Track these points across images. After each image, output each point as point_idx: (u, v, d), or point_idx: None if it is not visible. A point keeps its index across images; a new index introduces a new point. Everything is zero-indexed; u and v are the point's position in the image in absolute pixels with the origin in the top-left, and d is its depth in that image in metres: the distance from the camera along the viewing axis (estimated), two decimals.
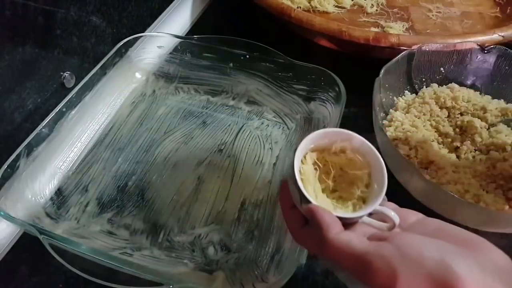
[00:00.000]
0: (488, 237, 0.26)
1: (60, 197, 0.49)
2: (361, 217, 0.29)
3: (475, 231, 0.28)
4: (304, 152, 0.32)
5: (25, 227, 0.41)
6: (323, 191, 0.32)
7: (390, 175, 0.46)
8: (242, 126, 0.57)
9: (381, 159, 0.31)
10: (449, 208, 0.42)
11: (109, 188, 0.50)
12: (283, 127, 0.57)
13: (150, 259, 0.44)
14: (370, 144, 0.31)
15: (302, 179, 0.30)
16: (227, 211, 0.48)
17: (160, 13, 0.72)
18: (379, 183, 0.30)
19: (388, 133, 0.51)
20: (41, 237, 0.38)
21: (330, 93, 0.53)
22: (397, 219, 0.28)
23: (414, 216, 0.30)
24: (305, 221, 0.31)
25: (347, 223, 0.29)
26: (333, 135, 0.32)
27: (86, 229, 0.46)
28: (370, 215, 0.30)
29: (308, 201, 0.29)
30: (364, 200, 0.31)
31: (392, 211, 0.29)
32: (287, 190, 0.32)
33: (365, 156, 0.32)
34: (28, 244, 0.45)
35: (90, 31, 0.56)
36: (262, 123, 0.57)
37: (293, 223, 0.32)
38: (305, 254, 0.38)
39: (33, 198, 0.47)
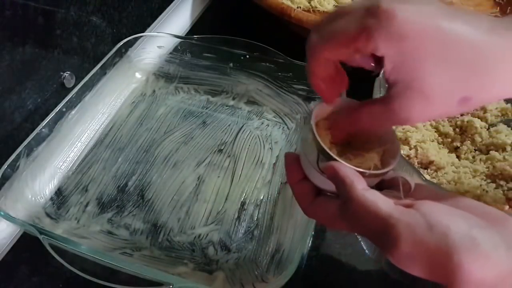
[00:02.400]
0: None
1: (60, 197, 0.49)
2: (380, 174, 0.28)
3: None
4: (317, 118, 0.31)
5: (25, 227, 0.41)
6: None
7: None
8: (242, 126, 0.57)
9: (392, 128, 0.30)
10: None
11: (109, 188, 0.50)
12: (283, 127, 0.57)
13: (150, 259, 0.44)
14: None
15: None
16: (227, 211, 0.48)
17: (160, 13, 0.72)
18: (392, 147, 0.30)
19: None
20: (41, 237, 0.38)
21: None
22: (413, 182, 0.28)
23: (427, 188, 0.29)
24: (317, 193, 0.30)
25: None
26: (343, 104, 0.31)
27: (86, 229, 0.46)
28: (386, 172, 0.29)
29: (328, 158, 0.28)
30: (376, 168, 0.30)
31: (406, 174, 0.28)
32: (294, 163, 0.31)
33: None
34: (28, 244, 0.45)
35: (90, 31, 0.56)
36: (262, 123, 0.57)
37: (304, 196, 0.30)
38: (305, 253, 0.38)
39: (33, 198, 0.47)
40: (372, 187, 0.28)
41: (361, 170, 0.27)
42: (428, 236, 0.22)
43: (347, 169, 0.26)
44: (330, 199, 0.29)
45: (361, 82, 0.50)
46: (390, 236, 0.23)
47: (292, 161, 0.31)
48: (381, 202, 0.24)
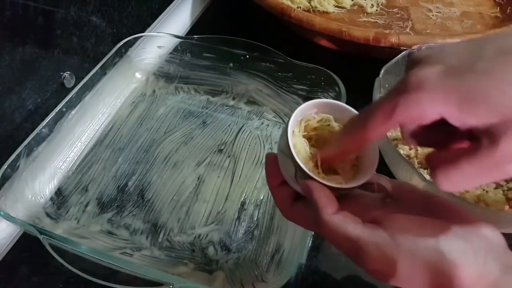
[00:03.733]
0: None
1: (60, 197, 0.49)
2: (355, 187, 0.28)
3: None
4: (295, 124, 0.31)
5: (25, 227, 0.41)
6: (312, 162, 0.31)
7: (390, 175, 0.47)
8: (242, 126, 0.57)
9: None
10: None
11: (109, 188, 0.50)
12: (283, 127, 0.57)
13: (150, 259, 0.44)
14: (356, 112, 0.30)
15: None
16: (227, 211, 0.48)
17: (160, 13, 0.72)
18: (371, 152, 0.30)
19: (388, 133, 0.51)
20: (41, 237, 0.38)
21: (330, 93, 0.53)
22: (389, 186, 0.28)
23: (399, 185, 0.30)
24: (296, 197, 0.30)
25: (341, 194, 0.28)
26: (322, 106, 0.31)
27: (86, 229, 0.46)
28: (362, 184, 0.29)
29: (304, 176, 0.28)
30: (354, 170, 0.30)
31: (385, 178, 0.28)
32: (275, 166, 0.30)
33: None
34: (28, 244, 0.45)
35: (90, 31, 0.56)
36: (262, 123, 0.57)
37: (283, 201, 0.31)
38: (305, 253, 0.38)
39: (33, 198, 0.47)
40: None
41: (337, 186, 0.27)
42: (396, 254, 0.24)
43: (320, 191, 0.27)
44: (308, 206, 0.29)
45: (361, 81, 0.51)
46: (361, 257, 0.25)
47: (272, 165, 0.31)
48: (350, 226, 0.25)
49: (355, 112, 0.30)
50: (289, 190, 0.30)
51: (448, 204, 0.27)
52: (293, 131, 0.30)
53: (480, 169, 0.22)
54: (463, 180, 0.22)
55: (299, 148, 0.30)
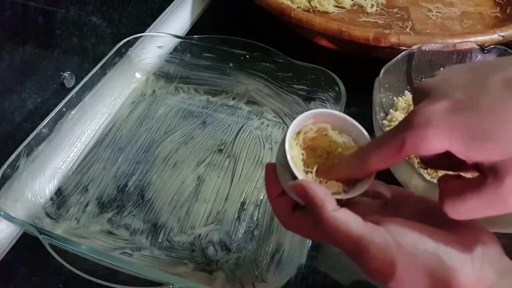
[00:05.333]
0: None
1: (60, 197, 0.49)
2: (354, 197, 0.28)
3: None
4: (292, 136, 0.31)
5: (25, 227, 0.41)
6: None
7: (390, 175, 0.47)
8: (242, 126, 0.57)
9: (368, 136, 0.30)
10: None
11: (109, 188, 0.50)
12: (283, 127, 0.57)
13: (150, 259, 0.44)
14: (353, 122, 0.31)
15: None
16: (227, 211, 0.48)
17: (160, 13, 0.72)
18: None
19: None
20: (41, 237, 0.38)
21: (330, 93, 0.53)
22: (388, 193, 0.29)
23: (397, 190, 0.30)
24: (295, 207, 0.30)
25: (340, 204, 0.28)
26: (318, 116, 0.31)
27: (86, 229, 0.46)
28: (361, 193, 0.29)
29: None
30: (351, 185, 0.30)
31: (383, 184, 0.29)
32: (274, 176, 0.31)
33: (351, 135, 0.31)
34: (28, 244, 0.45)
35: (90, 31, 0.56)
36: (262, 123, 0.57)
37: (282, 210, 0.31)
38: (305, 253, 0.38)
39: (33, 198, 0.47)
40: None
41: (336, 197, 0.27)
42: (396, 255, 0.24)
43: (317, 189, 0.26)
44: (307, 213, 0.29)
45: (361, 82, 0.51)
46: (362, 256, 0.25)
47: (271, 176, 0.31)
48: (352, 222, 0.25)
49: (352, 120, 0.31)
50: (288, 200, 0.30)
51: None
52: (291, 143, 0.30)
53: (485, 203, 0.23)
54: (469, 211, 0.23)
55: (297, 160, 0.30)
